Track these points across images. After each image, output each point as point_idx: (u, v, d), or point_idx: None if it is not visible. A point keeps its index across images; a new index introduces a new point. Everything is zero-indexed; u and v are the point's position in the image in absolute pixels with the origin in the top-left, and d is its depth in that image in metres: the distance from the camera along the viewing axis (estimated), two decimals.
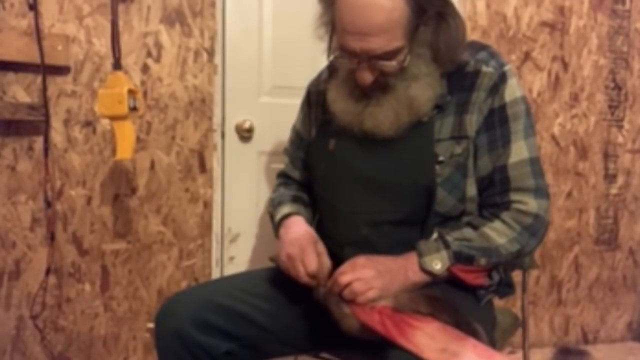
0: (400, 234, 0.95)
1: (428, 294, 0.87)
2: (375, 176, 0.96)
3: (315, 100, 1.15)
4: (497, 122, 0.93)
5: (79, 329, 1.53)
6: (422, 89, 0.92)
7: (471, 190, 0.95)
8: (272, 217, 1.13)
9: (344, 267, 0.89)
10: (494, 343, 0.95)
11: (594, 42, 1.85)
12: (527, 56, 1.79)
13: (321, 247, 0.96)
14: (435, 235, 0.94)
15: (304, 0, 1.62)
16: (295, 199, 1.14)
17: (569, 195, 1.89)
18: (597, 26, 1.85)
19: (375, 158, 0.97)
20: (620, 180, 1.95)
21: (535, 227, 0.93)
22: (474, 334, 0.83)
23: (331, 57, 0.95)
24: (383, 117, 0.93)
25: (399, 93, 0.92)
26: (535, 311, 1.93)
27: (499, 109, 0.93)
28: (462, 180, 0.93)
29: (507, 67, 0.95)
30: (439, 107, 0.94)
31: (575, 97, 1.86)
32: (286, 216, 1.07)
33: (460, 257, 0.90)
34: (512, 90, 0.94)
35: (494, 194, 0.94)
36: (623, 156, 1.94)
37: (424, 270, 0.89)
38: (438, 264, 0.89)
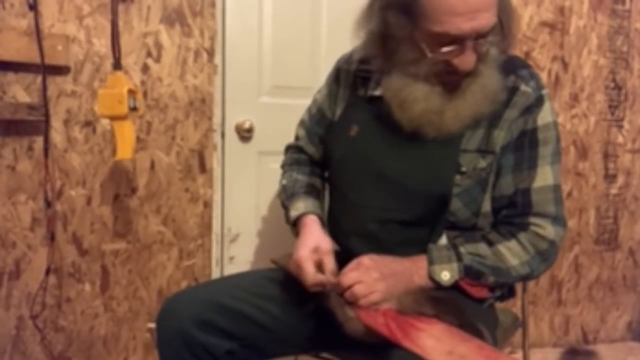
0: (408, 233, 0.95)
1: (432, 296, 0.86)
2: (391, 174, 0.95)
3: (344, 79, 1.09)
4: (527, 144, 0.93)
5: (79, 329, 1.53)
6: (498, 79, 0.90)
7: (487, 205, 0.94)
8: (285, 207, 1.11)
9: (349, 267, 0.88)
10: (496, 344, 0.95)
11: (594, 42, 1.85)
12: (527, 56, 1.79)
13: (331, 258, 0.95)
14: (447, 243, 0.93)
15: (304, 0, 1.62)
16: (308, 190, 1.10)
17: (569, 195, 1.89)
18: (597, 26, 1.85)
19: (396, 155, 0.95)
20: (620, 180, 1.95)
21: (548, 253, 0.94)
22: (478, 335, 0.82)
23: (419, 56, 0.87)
24: (465, 112, 0.89)
25: (482, 77, 0.88)
26: (535, 311, 1.93)
27: (531, 132, 0.92)
28: (480, 195, 0.93)
29: (545, 91, 0.94)
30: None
31: (575, 97, 1.86)
32: (300, 216, 1.05)
33: (470, 272, 0.90)
34: (546, 114, 0.93)
35: (514, 214, 0.94)
36: (623, 156, 1.94)
37: (432, 278, 0.89)
38: (447, 275, 0.89)
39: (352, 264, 0.88)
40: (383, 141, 0.97)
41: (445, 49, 0.84)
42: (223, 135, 1.59)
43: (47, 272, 1.46)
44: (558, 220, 0.93)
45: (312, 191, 1.11)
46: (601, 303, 2.00)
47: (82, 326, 1.53)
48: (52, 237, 1.46)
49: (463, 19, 0.80)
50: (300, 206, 1.06)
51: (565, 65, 1.83)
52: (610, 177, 1.94)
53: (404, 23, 0.85)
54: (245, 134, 1.60)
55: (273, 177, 1.62)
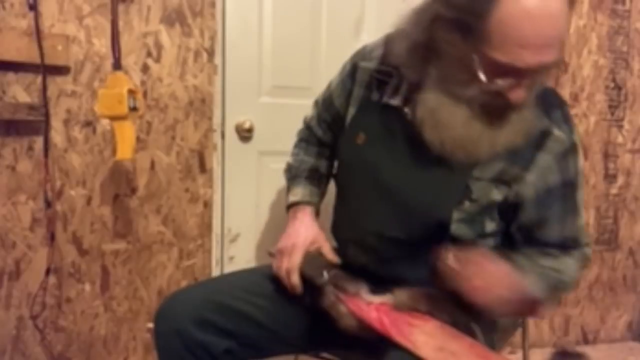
0: (406, 249, 0.93)
1: (427, 293, 0.87)
2: (392, 191, 0.93)
3: (361, 77, 1.03)
4: (570, 193, 0.93)
5: (79, 329, 1.53)
6: (534, 112, 0.87)
7: (490, 227, 0.94)
8: (287, 187, 1.13)
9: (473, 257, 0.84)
10: (493, 345, 0.95)
11: (594, 42, 1.85)
12: None
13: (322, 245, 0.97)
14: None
15: (304, 0, 1.62)
16: (310, 175, 1.12)
17: None
18: (597, 26, 1.85)
19: (400, 172, 0.92)
20: (620, 180, 1.95)
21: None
22: (471, 334, 0.83)
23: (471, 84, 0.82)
24: (501, 143, 0.85)
25: (525, 113, 0.85)
26: None
27: (572, 181, 0.92)
28: (484, 219, 0.92)
29: (576, 136, 0.92)
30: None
31: (575, 97, 1.86)
32: (296, 203, 1.07)
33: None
34: (580, 159, 0.94)
35: (565, 249, 0.97)
36: (623, 156, 1.94)
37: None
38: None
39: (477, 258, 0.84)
40: (389, 155, 0.93)
41: (503, 81, 0.79)
42: (223, 135, 1.59)
43: (47, 272, 1.46)
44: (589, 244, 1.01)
45: (314, 176, 1.12)
46: (601, 303, 2.00)
47: (82, 326, 1.53)
48: (52, 237, 1.46)
49: (532, 53, 0.75)
50: (298, 192, 1.08)
51: (565, 65, 1.83)
52: (610, 177, 1.94)
53: (459, 42, 0.79)
54: (245, 134, 1.60)
55: (273, 177, 1.63)
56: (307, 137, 1.18)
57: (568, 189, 0.92)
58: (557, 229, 0.94)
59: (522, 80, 0.79)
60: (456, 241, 0.90)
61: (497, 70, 0.77)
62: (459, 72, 0.81)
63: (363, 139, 0.97)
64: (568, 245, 0.96)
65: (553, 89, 0.97)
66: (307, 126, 1.19)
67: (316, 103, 1.18)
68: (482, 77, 0.78)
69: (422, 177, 0.91)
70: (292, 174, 1.14)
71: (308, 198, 1.08)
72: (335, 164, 1.12)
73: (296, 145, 1.20)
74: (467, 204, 0.89)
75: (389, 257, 0.93)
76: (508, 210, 0.93)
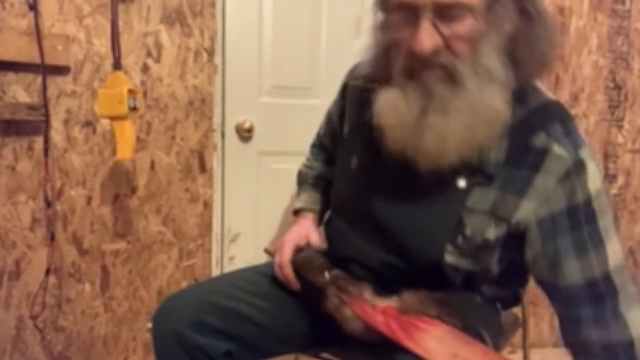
0: (407, 274, 0.88)
1: (436, 297, 0.84)
2: (385, 225, 0.87)
3: (350, 96, 1.01)
4: (584, 220, 0.76)
5: (79, 329, 1.53)
6: (501, 99, 0.74)
7: (497, 268, 0.85)
8: (297, 193, 1.18)
9: None
10: (499, 349, 0.94)
11: (594, 42, 1.85)
12: None
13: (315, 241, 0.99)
14: None
15: (304, 0, 1.62)
16: (316, 182, 1.16)
17: None
18: (597, 26, 1.85)
19: (391, 203, 0.86)
20: (620, 180, 1.95)
21: None
22: (480, 339, 0.81)
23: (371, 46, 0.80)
24: (450, 132, 0.74)
25: (473, 95, 0.73)
26: (535, 311, 1.92)
27: (585, 205, 0.76)
28: (488, 256, 0.82)
29: (583, 152, 0.77)
30: (489, 176, 0.79)
31: (575, 97, 1.86)
32: (300, 209, 1.11)
33: None
34: (595, 179, 0.76)
35: (604, 309, 0.76)
36: (623, 156, 1.94)
37: None
38: None
39: None
40: (381, 184, 0.87)
41: (400, 23, 0.74)
42: (223, 135, 1.59)
43: (47, 272, 1.46)
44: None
45: (320, 183, 1.15)
46: None
47: (82, 326, 1.53)
48: (52, 237, 1.46)
49: None
50: (302, 198, 1.13)
51: (565, 65, 1.83)
52: (610, 177, 1.94)
53: (378, 22, 0.79)
54: (245, 134, 1.60)
55: (273, 177, 1.63)
56: (318, 144, 1.23)
57: (579, 214, 0.76)
58: (578, 267, 0.76)
59: (419, 22, 0.71)
60: (459, 272, 0.84)
61: (397, 20, 0.75)
62: (384, 53, 0.80)
63: (355, 163, 0.93)
64: (600, 291, 0.76)
65: (556, 102, 0.83)
66: (318, 133, 1.23)
67: (325, 117, 1.19)
68: (385, 29, 0.77)
69: (413, 210, 0.84)
70: (301, 181, 1.19)
71: (311, 205, 1.12)
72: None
73: (310, 151, 1.24)
74: (460, 240, 0.80)
75: (390, 278, 0.90)
76: (513, 251, 0.83)
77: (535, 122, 0.78)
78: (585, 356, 0.78)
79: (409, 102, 0.76)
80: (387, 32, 0.79)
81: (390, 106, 0.78)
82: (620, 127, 1.93)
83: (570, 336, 0.81)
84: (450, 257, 0.82)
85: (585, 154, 0.77)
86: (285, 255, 0.97)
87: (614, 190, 1.95)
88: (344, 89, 1.04)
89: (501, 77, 0.74)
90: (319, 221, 1.12)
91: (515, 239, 0.81)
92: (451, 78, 0.74)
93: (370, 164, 0.89)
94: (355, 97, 0.98)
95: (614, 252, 0.77)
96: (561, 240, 0.77)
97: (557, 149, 0.76)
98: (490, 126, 0.75)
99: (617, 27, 1.87)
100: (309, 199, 1.14)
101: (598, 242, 0.76)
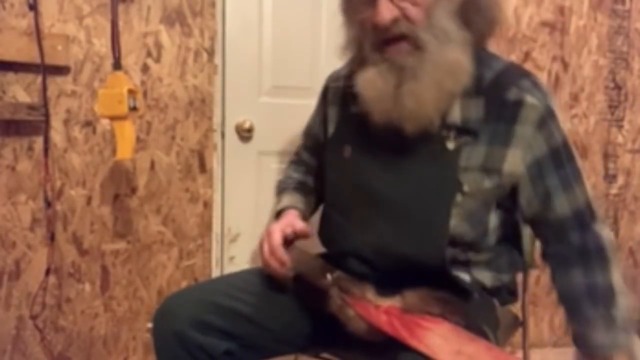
0: (407, 263, 0.90)
1: (438, 296, 0.85)
2: (386, 201, 0.90)
3: (332, 97, 1.08)
4: (565, 159, 0.88)
5: (79, 329, 1.53)
6: (461, 53, 0.83)
7: (493, 222, 0.92)
8: (276, 201, 1.16)
9: None
10: (497, 344, 0.95)
11: (594, 42, 1.85)
12: (527, 56, 1.79)
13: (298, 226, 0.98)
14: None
15: (304, 0, 1.62)
16: (298, 186, 1.15)
17: None
18: (597, 26, 1.85)
19: (391, 178, 0.90)
20: (620, 180, 1.95)
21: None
22: (483, 336, 0.81)
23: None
24: (425, 92, 0.82)
25: (436, 56, 0.82)
26: (535, 311, 1.93)
27: (563, 146, 0.88)
28: (485, 216, 0.90)
29: (552, 101, 0.89)
30: (474, 133, 0.86)
31: (575, 97, 1.86)
32: (282, 209, 1.08)
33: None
34: (563, 123, 0.89)
35: (587, 230, 0.90)
36: (623, 156, 1.94)
37: None
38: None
39: None
40: (377, 162, 0.92)
41: (358, 1, 0.85)
42: (223, 135, 1.59)
43: (47, 272, 1.46)
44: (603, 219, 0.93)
45: (302, 187, 1.15)
46: None
47: (82, 326, 1.53)
48: (52, 237, 1.46)
49: None
50: (285, 200, 1.11)
51: (565, 65, 1.83)
52: (610, 177, 1.94)
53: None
54: (245, 134, 1.60)
55: (273, 177, 1.62)
56: (296, 161, 1.23)
57: (560, 155, 0.88)
58: (565, 200, 0.88)
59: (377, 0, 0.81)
60: (458, 244, 0.89)
61: (358, 3, 0.86)
62: (355, 38, 0.90)
63: (349, 151, 0.97)
64: (586, 218, 0.89)
65: (515, 63, 0.96)
66: (296, 152, 1.24)
67: (303, 134, 1.22)
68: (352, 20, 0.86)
69: (412, 181, 0.89)
70: (280, 188, 1.19)
71: (293, 204, 1.10)
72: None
73: (287, 167, 1.24)
74: (460, 197, 0.86)
75: (387, 269, 0.91)
76: (508, 199, 0.91)
77: (504, 80, 0.87)
78: (564, 265, 0.91)
79: (384, 78, 0.85)
80: (353, 16, 0.90)
81: (370, 84, 0.87)
82: (620, 127, 1.93)
83: (555, 255, 0.93)
84: (453, 221, 0.87)
85: (553, 102, 0.88)
86: (275, 240, 0.96)
87: (614, 190, 1.95)
88: (325, 92, 1.10)
89: (458, 37, 0.83)
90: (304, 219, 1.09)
91: (508, 194, 0.91)
92: (415, 47, 0.83)
93: (365, 146, 0.94)
94: (338, 95, 1.04)
95: (587, 187, 0.90)
96: (549, 179, 0.88)
97: (529, 98, 0.86)
98: (455, 74, 0.83)
99: (617, 27, 1.87)
100: (292, 199, 1.11)
101: (578, 176, 0.89)
